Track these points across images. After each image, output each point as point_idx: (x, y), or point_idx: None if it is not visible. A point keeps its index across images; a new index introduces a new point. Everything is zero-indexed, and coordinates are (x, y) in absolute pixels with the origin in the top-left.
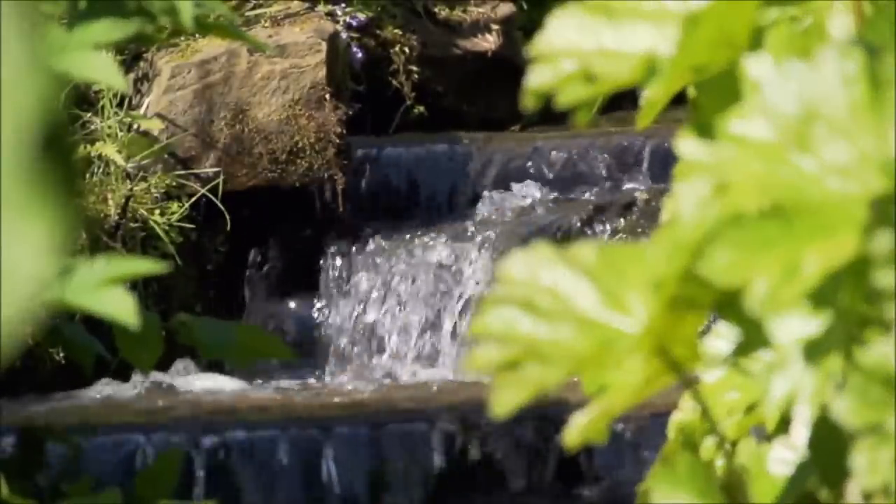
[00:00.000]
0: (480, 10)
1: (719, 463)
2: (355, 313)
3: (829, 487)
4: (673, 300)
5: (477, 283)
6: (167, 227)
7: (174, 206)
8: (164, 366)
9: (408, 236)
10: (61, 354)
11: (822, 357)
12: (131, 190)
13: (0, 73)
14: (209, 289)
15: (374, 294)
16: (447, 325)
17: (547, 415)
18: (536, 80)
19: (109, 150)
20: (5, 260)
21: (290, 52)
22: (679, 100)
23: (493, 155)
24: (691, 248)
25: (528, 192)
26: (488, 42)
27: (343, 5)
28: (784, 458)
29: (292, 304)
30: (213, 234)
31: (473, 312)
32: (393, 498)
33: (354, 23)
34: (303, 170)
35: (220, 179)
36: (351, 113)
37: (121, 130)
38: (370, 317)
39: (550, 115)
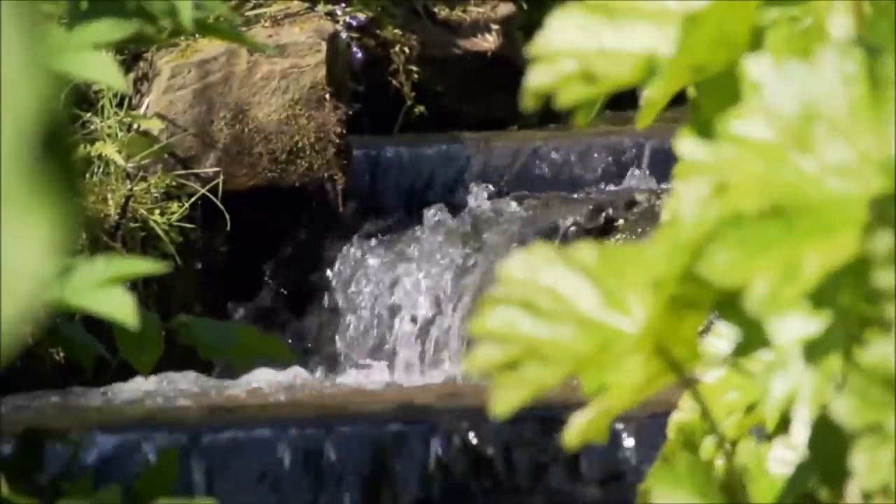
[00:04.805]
0: (480, 10)
1: (719, 463)
2: (355, 313)
3: (829, 487)
4: (673, 300)
5: (477, 284)
6: (167, 227)
7: (174, 206)
8: (165, 366)
9: (408, 236)
10: (61, 354)
11: (822, 357)
12: (131, 190)
13: (0, 73)
14: (209, 289)
15: (374, 294)
16: (447, 326)
17: (547, 415)
18: (536, 80)
19: (109, 150)
20: (5, 259)
21: (290, 52)
22: (679, 100)
23: (493, 155)
24: (691, 248)
25: (528, 192)
26: (488, 42)
27: (343, 5)
28: (784, 458)
29: (292, 304)
30: (213, 234)
31: (474, 313)
32: (393, 498)
33: (354, 23)
34: (303, 170)
35: (220, 179)
36: (351, 113)
37: (121, 130)
38: (370, 317)
39: (550, 115)
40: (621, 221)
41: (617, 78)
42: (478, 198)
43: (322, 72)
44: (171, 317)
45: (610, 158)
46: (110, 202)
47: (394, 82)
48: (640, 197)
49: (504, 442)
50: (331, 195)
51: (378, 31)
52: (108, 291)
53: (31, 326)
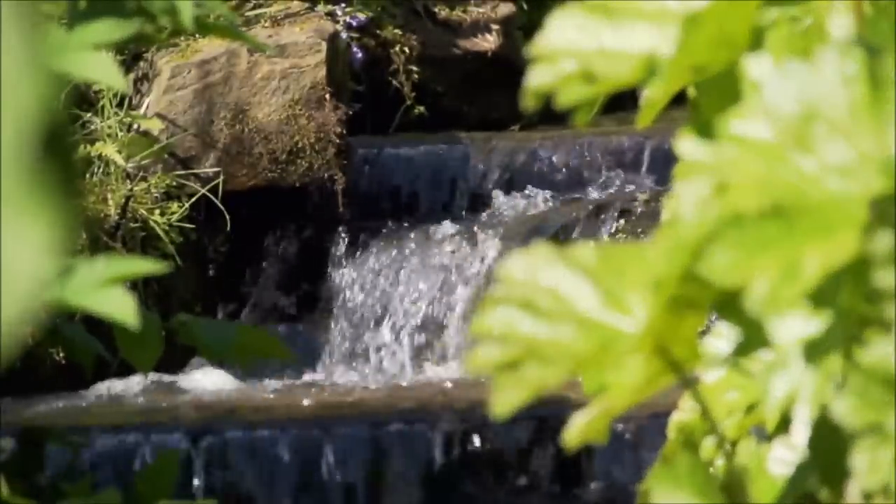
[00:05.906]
0: (480, 10)
1: (719, 463)
2: (355, 313)
3: (830, 487)
4: (673, 300)
5: (477, 284)
6: (167, 227)
7: (174, 206)
8: (165, 366)
9: (408, 237)
10: (61, 354)
11: (822, 357)
12: (131, 190)
13: (0, 73)
14: (209, 289)
15: (374, 294)
16: (448, 326)
17: (547, 415)
18: (536, 80)
19: (109, 150)
20: (5, 260)
21: (290, 52)
22: (679, 100)
23: (492, 155)
24: (691, 248)
25: (528, 193)
26: (488, 42)
27: (343, 5)
28: (784, 458)
29: (292, 304)
30: (213, 234)
31: (474, 313)
32: (393, 498)
33: (354, 23)
34: (303, 170)
35: (220, 179)
36: (351, 113)
37: (121, 130)
38: (370, 317)
39: (550, 115)
40: (621, 221)
41: (617, 78)
42: (477, 198)
43: (322, 72)
44: (171, 317)
45: (610, 158)
46: (110, 202)
47: (394, 82)
48: (640, 197)
49: (504, 442)
50: (331, 195)
51: (378, 31)
52: (108, 291)
53: (31, 327)
